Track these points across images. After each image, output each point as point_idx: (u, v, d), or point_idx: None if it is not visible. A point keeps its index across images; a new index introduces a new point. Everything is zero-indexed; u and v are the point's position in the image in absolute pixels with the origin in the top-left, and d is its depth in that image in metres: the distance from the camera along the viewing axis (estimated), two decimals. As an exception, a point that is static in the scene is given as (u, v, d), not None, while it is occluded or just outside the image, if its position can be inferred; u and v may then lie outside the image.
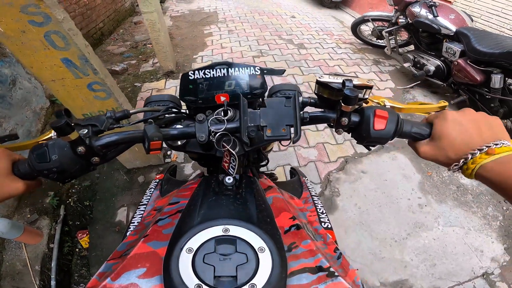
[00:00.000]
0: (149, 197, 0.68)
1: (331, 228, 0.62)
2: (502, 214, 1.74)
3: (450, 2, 3.51)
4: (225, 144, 0.51)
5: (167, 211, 0.49)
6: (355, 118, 0.50)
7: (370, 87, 0.49)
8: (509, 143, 0.38)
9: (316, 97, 0.56)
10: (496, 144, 0.38)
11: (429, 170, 1.97)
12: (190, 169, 1.98)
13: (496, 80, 2.14)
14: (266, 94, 0.64)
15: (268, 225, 0.43)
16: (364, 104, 0.53)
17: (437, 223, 1.67)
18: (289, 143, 0.51)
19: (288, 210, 0.53)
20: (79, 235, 1.61)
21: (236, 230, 0.40)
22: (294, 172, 0.97)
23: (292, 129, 0.49)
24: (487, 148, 0.38)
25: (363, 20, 3.55)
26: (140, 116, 0.61)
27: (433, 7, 2.56)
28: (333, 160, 2.05)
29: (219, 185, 0.50)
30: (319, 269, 0.40)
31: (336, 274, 0.39)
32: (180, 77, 0.58)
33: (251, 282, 0.34)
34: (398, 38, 3.28)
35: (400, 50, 3.26)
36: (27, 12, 1.07)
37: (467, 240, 1.59)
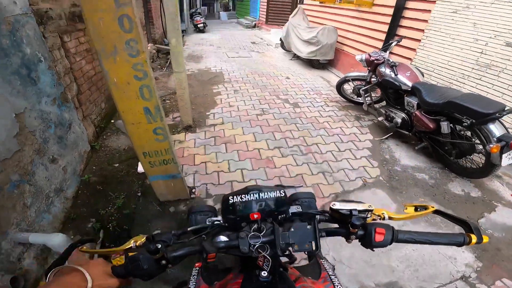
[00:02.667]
0: (194, 283, 0.77)
1: None
2: (466, 232, 2.17)
3: (411, 59, 4.00)
4: (260, 251, 0.62)
5: None
6: (361, 232, 0.64)
7: (371, 210, 0.65)
8: None
9: (329, 212, 0.71)
10: None
11: (403, 202, 2.45)
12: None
13: (444, 126, 2.51)
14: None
15: None
16: (367, 219, 0.66)
17: (414, 239, 2.08)
18: (312, 252, 0.67)
19: None
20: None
21: None
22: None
23: (313, 243, 0.65)
24: None
25: (345, 80, 4.04)
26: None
27: (394, 67, 2.95)
28: (326, 195, 2.46)
29: (258, 280, 0.61)
30: None
31: None
32: (221, 200, 0.71)
33: None
34: (373, 95, 3.70)
35: (376, 105, 3.69)
36: (136, 69, 1.30)
37: (441, 251, 1.97)
